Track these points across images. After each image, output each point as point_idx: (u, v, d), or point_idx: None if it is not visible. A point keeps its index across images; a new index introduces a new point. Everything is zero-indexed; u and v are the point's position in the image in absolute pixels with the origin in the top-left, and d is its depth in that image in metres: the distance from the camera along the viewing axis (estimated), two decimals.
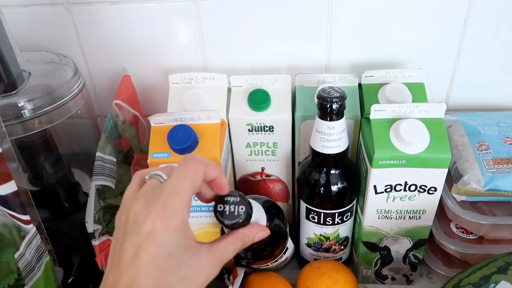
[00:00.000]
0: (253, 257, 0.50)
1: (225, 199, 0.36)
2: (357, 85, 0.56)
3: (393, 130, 0.47)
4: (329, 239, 0.56)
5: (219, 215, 0.36)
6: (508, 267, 0.44)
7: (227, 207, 0.36)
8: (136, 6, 0.60)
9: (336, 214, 0.53)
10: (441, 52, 0.61)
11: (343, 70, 0.63)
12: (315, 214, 0.54)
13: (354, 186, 0.53)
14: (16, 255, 0.44)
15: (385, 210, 0.51)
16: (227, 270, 0.59)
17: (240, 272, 0.54)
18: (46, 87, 0.52)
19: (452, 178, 0.53)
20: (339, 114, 0.46)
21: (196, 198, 0.50)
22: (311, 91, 0.54)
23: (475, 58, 0.61)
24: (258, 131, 0.56)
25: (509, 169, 0.50)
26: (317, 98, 0.46)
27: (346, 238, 0.57)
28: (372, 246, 0.55)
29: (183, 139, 0.48)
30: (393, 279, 0.59)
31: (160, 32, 0.62)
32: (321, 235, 0.56)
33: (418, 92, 0.53)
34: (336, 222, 0.54)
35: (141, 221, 0.31)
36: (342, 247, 0.58)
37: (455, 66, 0.62)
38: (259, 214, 0.40)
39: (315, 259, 0.59)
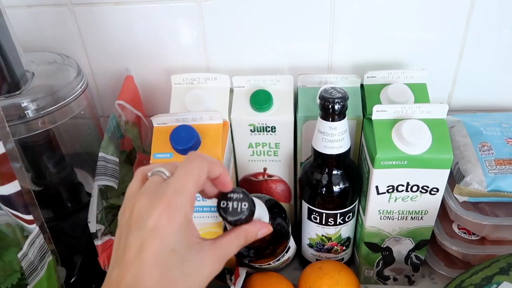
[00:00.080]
0: (255, 255, 0.50)
1: (229, 196, 0.36)
2: (359, 85, 0.56)
3: (395, 130, 0.47)
4: (331, 239, 0.56)
5: (222, 211, 0.36)
6: (510, 268, 0.44)
7: (230, 204, 0.36)
8: (139, 7, 0.60)
9: (338, 214, 0.53)
10: (444, 53, 0.61)
11: (345, 70, 0.63)
12: (317, 214, 0.54)
13: (356, 187, 0.53)
14: (19, 255, 0.45)
15: (387, 211, 0.51)
16: (229, 271, 0.59)
17: (242, 273, 0.54)
18: (49, 88, 0.53)
19: (454, 178, 0.52)
20: (341, 115, 0.46)
21: (198, 199, 0.50)
22: (313, 92, 0.54)
23: (478, 58, 0.61)
24: (260, 131, 0.56)
25: (511, 170, 0.50)
26: (319, 98, 0.46)
27: (348, 238, 0.57)
28: (374, 247, 0.55)
29: (186, 140, 0.48)
30: (395, 279, 0.59)
31: (162, 33, 0.62)
32: (323, 235, 0.56)
33: (420, 93, 0.53)
34: (338, 223, 0.54)
35: (146, 217, 0.31)
36: (344, 248, 0.58)
37: (457, 66, 0.62)
38: (261, 212, 0.40)
39: (317, 260, 0.59)
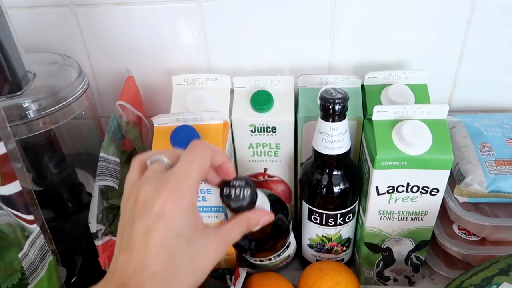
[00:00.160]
0: (256, 248, 0.50)
1: (231, 183, 0.37)
2: (360, 86, 0.56)
3: (396, 131, 0.47)
4: (331, 240, 0.56)
5: (225, 198, 0.37)
6: (510, 268, 0.44)
7: (233, 190, 0.37)
8: (140, 8, 0.60)
9: (338, 215, 0.53)
10: (444, 53, 0.61)
11: (346, 71, 0.63)
12: (317, 215, 0.54)
13: (356, 187, 0.53)
14: (20, 255, 0.45)
15: (387, 211, 0.51)
16: (229, 271, 0.59)
17: (242, 273, 0.54)
18: (51, 88, 0.53)
19: (455, 179, 0.52)
20: (341, 115, 0.46)
21: (199, 199, 0.50)
22: (313, 92, 0.54)
23: (478, 59, 0.61)
24: (261, 132, 0.56)
25: None
26: (320, 99, 0.46)
27: (348, 239, 0.57)
28: (374, 247, 0.55)
29: (186, 140, 0.48)
30: (395, 280, 0.59)
31: (163, 33, 0.62)
32: (323, 236, 0.56)
33: (421, 93, 0.53)
34: (338, 223, 0.54)
35: (151, 203, 0.31)
36: (344, 248, 0.58)
37: (458, 67, 0.62)
38: (263, 203, 0.41)
39: (317, 260, 0.59)
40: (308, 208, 0.54)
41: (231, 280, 0.55)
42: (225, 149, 0.51)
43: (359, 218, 0.56)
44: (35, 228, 0.46)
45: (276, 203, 0.50)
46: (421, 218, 0.51)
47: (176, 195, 0.31)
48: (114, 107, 0.58)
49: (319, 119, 0.47)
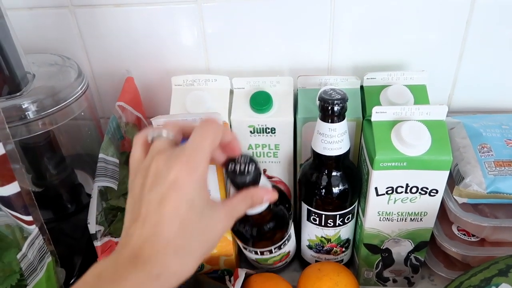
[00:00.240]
0: (257, 235, 0.50)
1: (237, 159, 0.38)
2: (359, 87, 0.56)
3: (395, 132, 0.47)
4: (330, 241, 0.56)
5: (231, 173, 0.38)
6: (509, 269, 0.44)
7: (238, 166, 0.38)
8: (139, 9, 0.60)
9: (338, 216, 0.53)
10: (444, 54, 0.61)
11: (345, 72, 0.63)
12: (316, 216, 0.54)
13: (356, 188, 0.53)
14: (18, 256, 0.45)
15: (386, 212, 0.51)
16: (228, 272, 0.59)
17: (241, 274, 0.54)
18: (50, 89, 0.53)
19: (454, 180, 0.52)
20: (340, 116, 0.46)
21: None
22: (313, 93, 0.54)
23: (478, 60, 0.61)
24: (260, 133, 0.56)
25: (511, 172, 0.50)
26: (319, 100, 0.46)
27: (348, 240, 0.57)
28: (373, 248, 0.55)
29: (185, 141, 0.48)
30: (394, 281, 0.59)
31: (163, 34, 0.62)
32: (322, 237, 0.56)
33: (420, 94, 0.53)
34: (337, 224, 0.54)
35: (165, 173, 0.32)
36: (344, 249, 0.58)
37: (457, 68, 0.62)
38: (266, 184, 0.42)
39: (316, 261, 0.59)
40: (307, 209, 0.54)
41: (230, 281, 0.55)
42: None
43: (358, 219, 0.56)
44: (33, 229, 0.46)
45: (279, 194, 0.50)
46: (420, 219, 0.51)
47: (190, 165, 0.32)
48: (114, 108, 0.58)
49: (318, 120, 0.47)
